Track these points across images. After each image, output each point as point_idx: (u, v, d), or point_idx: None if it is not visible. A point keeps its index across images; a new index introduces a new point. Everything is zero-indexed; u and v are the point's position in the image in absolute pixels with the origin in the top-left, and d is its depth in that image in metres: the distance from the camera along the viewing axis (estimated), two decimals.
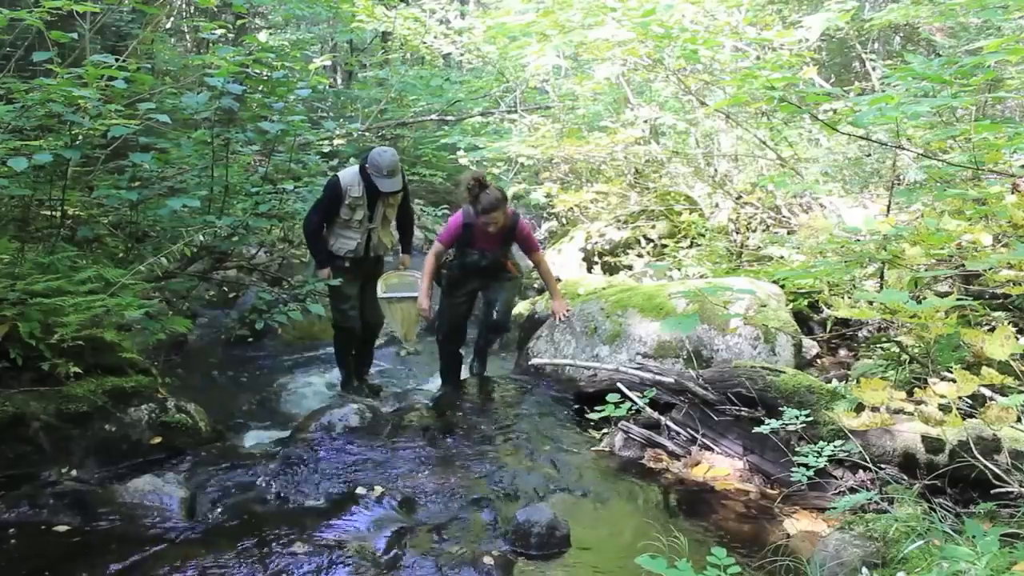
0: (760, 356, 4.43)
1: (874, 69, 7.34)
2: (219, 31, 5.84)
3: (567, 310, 4.98)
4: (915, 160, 5.20)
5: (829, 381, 4.19)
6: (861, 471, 3.36)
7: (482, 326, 5.05)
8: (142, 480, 3.15)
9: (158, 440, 3.63)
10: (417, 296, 4.95)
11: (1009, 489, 2.82)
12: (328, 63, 11.70)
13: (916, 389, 3.10)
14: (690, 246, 6.99)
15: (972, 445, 2.92)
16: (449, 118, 10.03)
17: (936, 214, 4.12)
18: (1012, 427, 2.91)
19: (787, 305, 5.03)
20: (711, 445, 3.87)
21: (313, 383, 5.14)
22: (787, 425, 3.40)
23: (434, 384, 5.24)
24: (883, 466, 3.29)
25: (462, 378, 5.07)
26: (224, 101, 4.66)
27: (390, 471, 3.58)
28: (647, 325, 4.74)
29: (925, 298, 3.02)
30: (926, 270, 3.87)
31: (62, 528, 2.95)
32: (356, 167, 4.75)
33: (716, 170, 7.35)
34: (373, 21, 10.47)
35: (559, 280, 5.95)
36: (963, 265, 3.70)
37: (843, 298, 4.22)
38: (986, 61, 3.35)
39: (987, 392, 3.18)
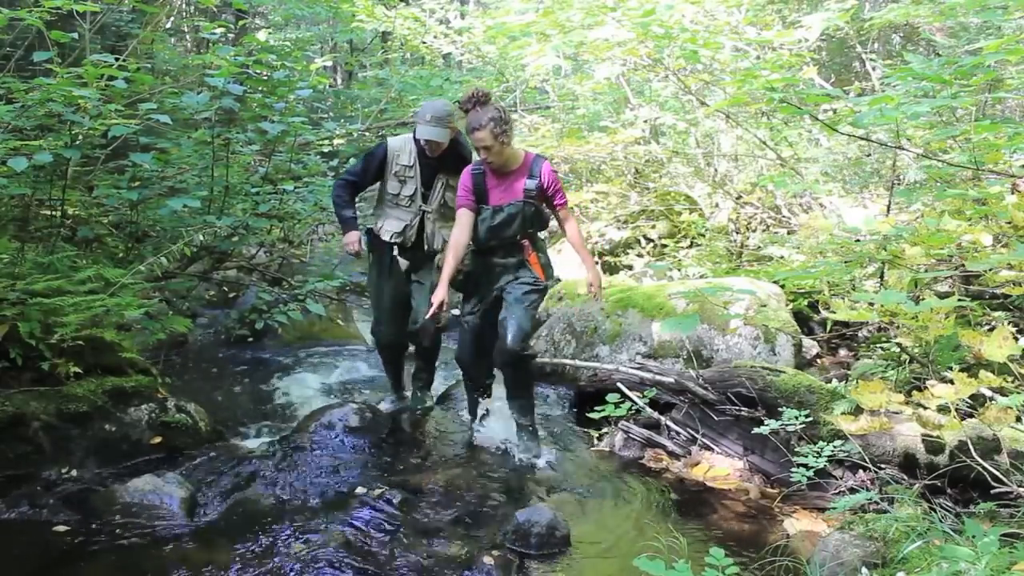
0: (760, 356, 4.43)
1: (874, 69, 7.34)
2: (219, 31, 5.84)
3: (599, 288, 3.89)
4: (915, 160, 5.20)
5: (829, 381, 4.19)
6: (861, 471, 3.37)
7: (495, 350, 3.84)
8: (142, 480, 3.15)
9: (158, 440, 3.63)
10: None
11: (1009, 489, 2.82)
12: (329, 63, 11.70)
13: (915, 391, 3.10)
14: (690, 246, 6.99)
15: (972, 445, 2.92)
16: None
17: (936, 214, 4.11)
18: (1012, 427, 2.91)
19: (787, 305, 5.03)
20: (711, 445, 3.88)
21: (313, 383, 5.13)
22: (787, 425, 3.41)
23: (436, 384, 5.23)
24: (883, 466, 3.29)
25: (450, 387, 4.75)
26: (225, 101, 4.66)
27: (390, 471, 3.58)
28: (647, 325, 4.74)
29: (924, 299, 3.02)
30: (926, 270, 3.87)
31: (62, 528, 2.95)
32: (410, 133, 4.08)
33: (716, 170, 7.35)
34: (373, 21, 10.47)
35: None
36: (963, 265, 3.70)
37: (843, 299, 4.21)
38: (986, 61, 3.34)
39: (987, 392, 3.19)
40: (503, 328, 3.72)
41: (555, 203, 3.77)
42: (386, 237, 4.07)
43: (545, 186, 3.71)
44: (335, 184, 4.15)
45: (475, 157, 3.87)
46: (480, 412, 4.13)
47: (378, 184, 4.14)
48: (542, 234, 4.07)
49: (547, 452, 3.87)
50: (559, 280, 5.44)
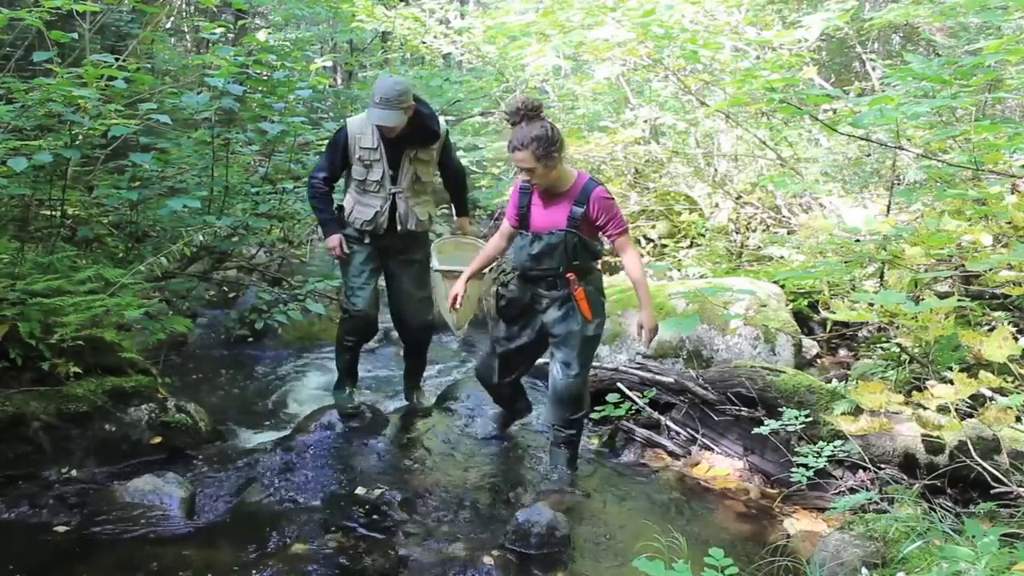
0: (760, 356, 4.44)
1: (874, 69, 7.34)
2: (219, 31, 5.83)
3: (655, 332, 3.38)
4: (915, 160, 5.20)
5: (829, 381, 4.19)
6: (861, 471, 3.37)
7: (550, 394, 3.61)
8: (142, 480, 3.14)
9: (158, 440, 3.63)
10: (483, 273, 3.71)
11: (1009, 489, 2.82)
12: (329, 63, 11.70)
13: (915, 391, 3.10)
14: (690, 246, 7.00)
15: (972, 445, 2.92)
16: (449, 118, 10.03)
17: (936, 214, 4.12)
18: (1012, 427, 2.92)
19: (787, 305, 5.03)
20: (711, 445, 3.88)
21: (313, 383, 5.12)
22: (787, 425, 3.41)
23: (435, 385, 5.23)
24: (883, 466, 3.29)
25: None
26: (224, 101, 4.66)
27: (390, 471, 3.58)
28: None
29: (924, 299, 3.03)
30: (926, 270, 3.87)
31: (62, 528, 2.95)
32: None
33: (716, 170, 7.35)
34: (373, 21, 10.46)
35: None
36: (963, 265, 3.70)
37: (843, 299, 4.22)
38: (986, 61, 3.35)
39: (987, 392, 3.19)
40: (551, 392, 3.54)
41: (608, 233, 3.32)
42: (357, 225, 3.82)
43: (593, 216, 3.26)
44: (308, 186, 3.90)
45: (443, 125, 3.75)
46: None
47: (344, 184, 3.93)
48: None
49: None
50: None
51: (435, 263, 3.89)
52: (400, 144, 3.70)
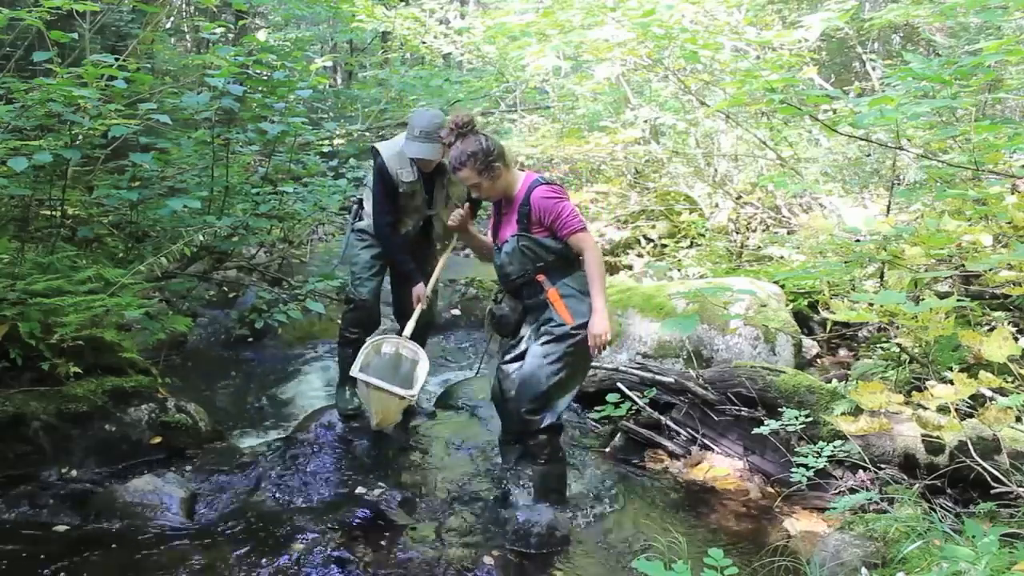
0: (760, 356, 4.43)
1: (874, 69, 7.35)
2: (219, 31, 5.83)
3: (604, 338, 3.07)
4: (915, 160, 5.20)
5: (829, 381, 4.19)
6: (861, 471, 3.37)
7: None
8: (142, 480, 3.15)
9: (158, 440, 3.63)
10: (402, 396, 3.48)
11: (1009, 489, 2.82)
12: (329, 63, 11.71)
13: (915, 391, 3.10)
14: (690, 246, 7.00)
15: (972, 446, 2.92)
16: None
17: (936, 214, 4.12)
18: (1012, 427, 2.92)
19: (787, 305, 5.03)
20: (711, 445, 3.88)
21: (313, 383, 5.13)
22: (787, 425, 3.41)
23: (435, 385, 5.23)
24: (883, 466, 3.29)
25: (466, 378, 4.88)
26: (225, 101, 4.66)
27: (390, 471, 3.58)
28: (647, 325, 4.74)
29: (924, 299, 3.03)
30: (926, 270, 3.87)
31: (62, 528, 2.95)
32: (401, 140, 3.77)
33: (716, 170, 7.35)
34: (373, 21, 10.47)
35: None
36: (963, 265, 3.70)
37: (843, 299, 4.22)
38: (986, 61, 3.35)
39: (987, 392, 3.19)
40: (515, 390, 3.30)
41: (558, 234, 3.13)
42: None
43: (536, 216, 3.13)
44: (381, 236, 3.90)
45: None
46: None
47: (371, 183, 3.93)
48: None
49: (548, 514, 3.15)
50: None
51: (356, 369, 3.51)
52: (434, 169, 3.86)
